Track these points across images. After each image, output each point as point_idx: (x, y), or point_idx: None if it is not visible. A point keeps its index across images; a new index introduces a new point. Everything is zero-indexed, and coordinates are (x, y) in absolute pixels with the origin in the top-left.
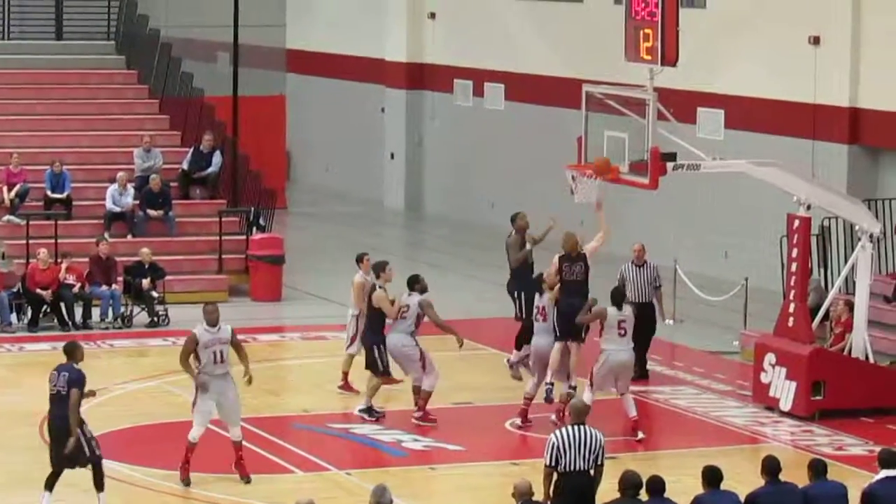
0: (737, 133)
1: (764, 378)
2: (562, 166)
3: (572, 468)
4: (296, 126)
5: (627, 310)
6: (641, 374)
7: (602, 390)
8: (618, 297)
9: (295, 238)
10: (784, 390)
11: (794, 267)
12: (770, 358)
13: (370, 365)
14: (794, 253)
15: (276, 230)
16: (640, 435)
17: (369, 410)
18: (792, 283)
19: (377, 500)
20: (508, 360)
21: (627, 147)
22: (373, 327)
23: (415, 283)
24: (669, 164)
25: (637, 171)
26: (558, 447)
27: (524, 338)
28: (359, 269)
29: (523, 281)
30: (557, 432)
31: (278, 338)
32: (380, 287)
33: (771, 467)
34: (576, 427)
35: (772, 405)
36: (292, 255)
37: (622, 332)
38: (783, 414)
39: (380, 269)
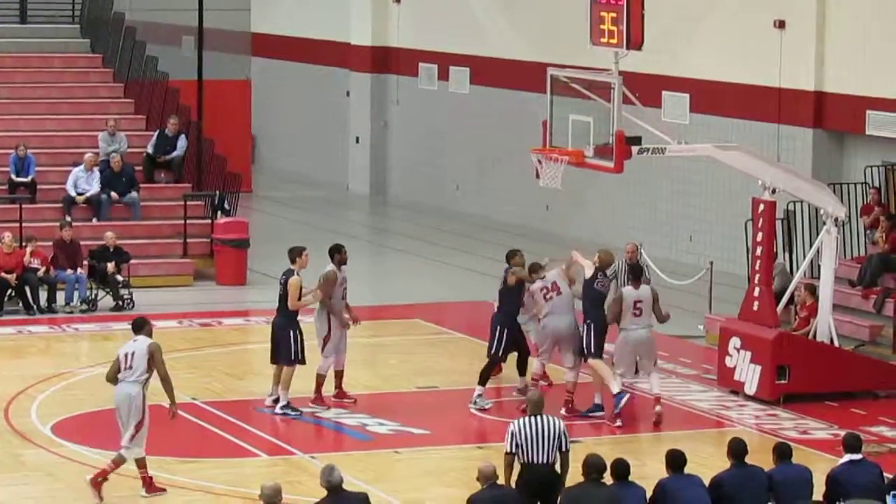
0: (702, 117)
1: (729, 362)
2: (527, 150)
3: (534, 460)
4: (261, 110)
5: (644, 289)
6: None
7: (628, 376)
8: (636, 274)
9: (260, 222)
10: (749, 374)
11: (759, 251)
12: (735, 342)
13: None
14: (759, 237)
15: (241, 214)
16: (658, 409)
17: (289, 406)
18: (757, 267)
19: (326, 479)
20: (474, 402)
21: (593, 131)
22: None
23: (333, 253)
24: (634, 148)
25: (602, 154)
26: (517, 435)
27: (489, 373)
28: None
29: (510, 320)
30: (516, 422)
31: (243, 322)
32: (297, 273)
33: (737, 450)
34: (534, 418)
35: (737, 389)
36: (257, 240)
37: (637, 311)
38: (748, 398)
39: (296, 254)
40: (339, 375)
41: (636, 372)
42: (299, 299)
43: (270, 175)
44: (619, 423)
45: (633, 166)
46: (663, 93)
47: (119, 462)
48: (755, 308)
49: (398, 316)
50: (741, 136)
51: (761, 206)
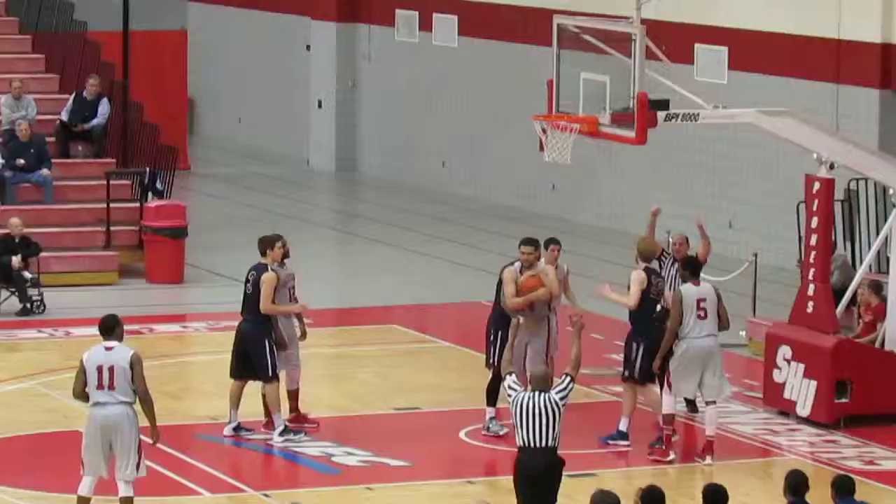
0: (743, 75)
1: (777, 376)
2: (529, 117)
3: (531, 442)
4: (200, 68)
5: (706, 286)
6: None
7: (684, 395)
8: (695, 268)
9: (200, 206)
10: (802, 391)
11: (813, 240)
12: (784, 351)
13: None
14: (814, 223)
15: (177, 196)
16: (708, 460)
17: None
18: (811, 260)
19: None
20: (487, 427)
21: (609, 93)
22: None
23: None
24: (660, 114)
25: (621, 122)
26: (515, 408)
27: (497, 389)
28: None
29: (505, 320)
30: (518, 395)
31: (180, 328)
32: (270, 269)
33: (796, 485)
34: (538, 395)
35: (787, 409)
36: (197, 228)
37: (702, 313)
38: (801, 420)
39: (268, 245)
40: (293, 396)
41: (697, 389)
42: (274, 301)
43: (213, 148)
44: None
45: (658, 137)
46: (696, 46)
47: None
48: (809, 310)
49: (371, 320)
50: (791, 99)
51: (816, 185)
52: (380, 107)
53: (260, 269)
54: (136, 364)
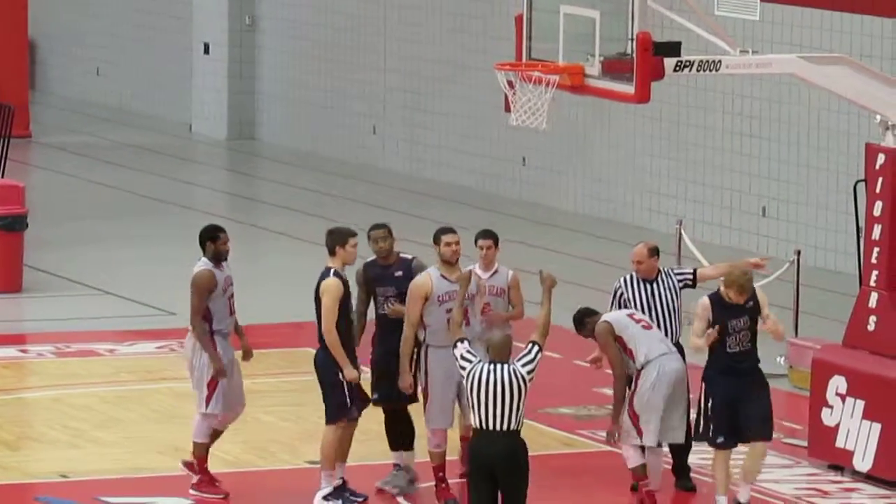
0: (780, 10)
1: (828, 418)
2: (491, 66)
3: (486, 425)
4: (44, 4)
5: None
6: None
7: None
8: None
9: (45, 187)
10: (861, 438)
11: (876, 232)
12: (838, 384)
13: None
14: (878, 208)
15: (13, 174)
16: None
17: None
18: (874, 260)
19: None
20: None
21: (598, 33)
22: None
23: (204, 241)
24: (669, 62)
25: (615, 73)
26: (471, 379)
27: (398, 429)
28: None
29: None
30: (474, 367)
31: (17, 353)
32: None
33: None
34: (495, 367)
35: (841, 462)
36: (40, 216)
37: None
38: (859, 476)
39: (340, 241)
40: (213, 436)
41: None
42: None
43: (61, 109)
44: None
45: (665, 92)
46: None
47: None
48: (871, 327)
49: (276, 342)
50: (843, 42)
51: (881, 158)
52: (287, 53)
53: (324, 275)
54: None
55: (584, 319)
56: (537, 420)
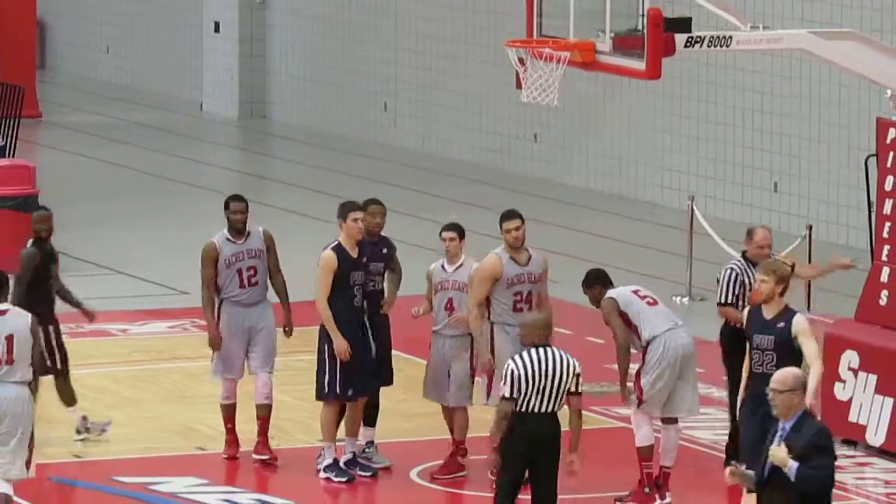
0: None
1: (840, 393)
2: (501, 43)
3: (527, 408)
4: None
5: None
6: None
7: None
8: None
9: (55, 167)
10: (874, 413)
11: (887, 206)
12: (850, 359)
13: None
14: (889, 183)
15: (24, 154)
16: (668, 499)
17: None
18: (886, 234)
19: None
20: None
21: (609, 9)
22: None
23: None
24: (680, 38)
25: (626, 49)
26: (519, 376)
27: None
28: None
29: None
30: (516, 357)
31: None
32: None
33: None
34: (537, 351)
35: (854, 437)
36: (51, 196)
37: None
38: (872, 451)
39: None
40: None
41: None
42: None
43: (71, 88)
44: (668, 499)
45: (676, 68)
46: None
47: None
48: (883, 302)
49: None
50: (854, 16)
51: (892, 133)
52: (299, 32)
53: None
54: (36, 332)
55: (595, 283)
56: None
